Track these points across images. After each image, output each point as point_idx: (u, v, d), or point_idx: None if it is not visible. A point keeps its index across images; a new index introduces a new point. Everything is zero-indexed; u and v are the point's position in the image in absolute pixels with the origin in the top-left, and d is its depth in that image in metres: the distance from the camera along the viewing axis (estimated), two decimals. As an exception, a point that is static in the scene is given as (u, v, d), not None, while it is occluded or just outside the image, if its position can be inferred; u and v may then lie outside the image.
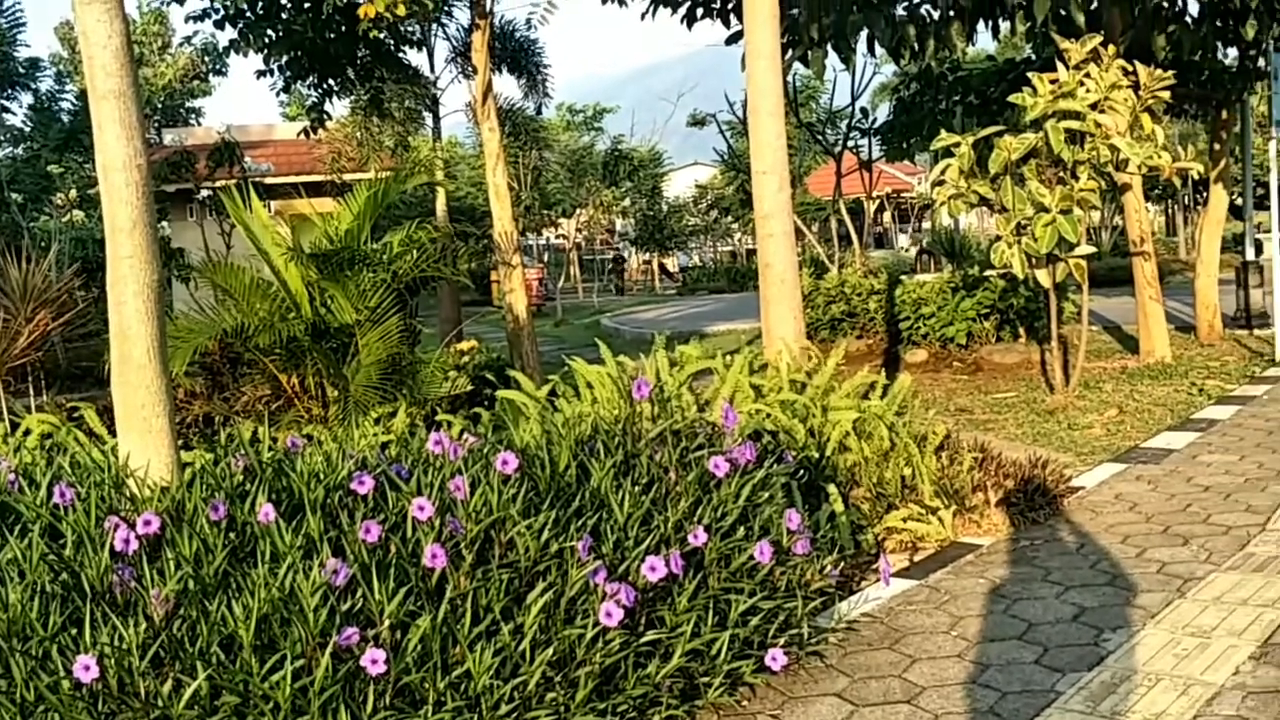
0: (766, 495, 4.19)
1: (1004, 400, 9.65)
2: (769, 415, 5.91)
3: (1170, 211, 38.41)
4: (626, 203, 38.03)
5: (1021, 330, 11.89)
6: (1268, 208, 12.62)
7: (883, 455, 5.77)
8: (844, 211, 15.62)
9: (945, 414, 9.17)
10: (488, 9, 8.57)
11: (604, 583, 3.46)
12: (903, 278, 13.91)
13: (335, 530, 3.59)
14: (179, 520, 3.51)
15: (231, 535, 3.49)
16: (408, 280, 7.00)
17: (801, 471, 5.27)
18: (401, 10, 7.64)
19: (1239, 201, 14.57)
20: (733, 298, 28.28)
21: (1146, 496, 5.90)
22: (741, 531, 4.02)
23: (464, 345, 10.97)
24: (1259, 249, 14.13)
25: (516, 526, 3.56)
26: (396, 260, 6.90)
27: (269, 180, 18.93)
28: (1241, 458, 6.62)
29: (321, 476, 3.90)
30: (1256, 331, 12.70)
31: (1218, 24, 10.20)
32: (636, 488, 3.95)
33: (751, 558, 3.87)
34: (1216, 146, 12.72)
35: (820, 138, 17.78)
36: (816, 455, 5.72)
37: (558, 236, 39.51)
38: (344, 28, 8.75)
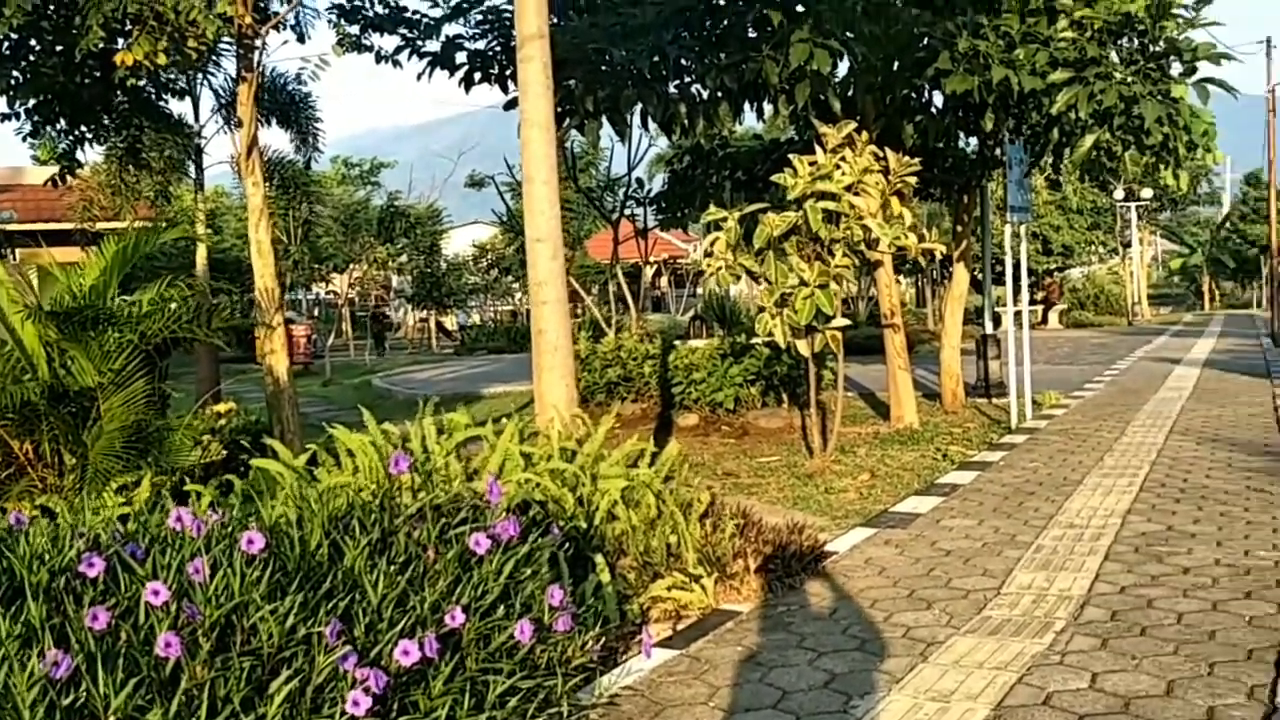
0: (529, 571, 4.14)
1: (767, 464, 9.97)
2: (538, 485, 5.88)
3: (920, 285, 41.13)
4: (404, 259, 37.50)
5: (785, 396, 12.39)
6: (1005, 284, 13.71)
7: (650, 523, 5.83)
8: (621, 276, 15.93)
9: (713, 478, 9.39)
10: (255, 62, 8.30)
11: (354, 668, 3.32)
12: (676, 343, 14.25)
13: (59, 617, 3.32)
14: None
15: (-68, 629, 3.15)
16: (157, 341, 6.61)
17: (568, 543, 5.26)
18: (162, 59, 7.31)
19: (980, 277, 15.71)
20: (512, 358, 28.21)
21: (894, 561, 6.19)
22: (502, 610, 3.95)
23: (221, 407, 10.39)
24: (997, 322, 15.28)
25: (260, 611, 3.37)
26: (145, 320, 6.50)
27: (11, 227, 17.59)
28: (980, 522, 7.06)
29: (46, 558, 3.60)
30: (995, 400, 13.68)
31: (959, 115, 11.05)
32: (392, 567, 3.83)
33: (512, 637, 3.81)
34: (959, 227, 13.73)
35: (598, 204, 18.12)
36: (585, 525, 5.72)
37: (328, 292, 38.47)
38: (99, 74, 8.28)
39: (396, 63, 10.36)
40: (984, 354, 14.44)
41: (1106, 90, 8.88)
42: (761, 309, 9.09)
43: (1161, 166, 10.79)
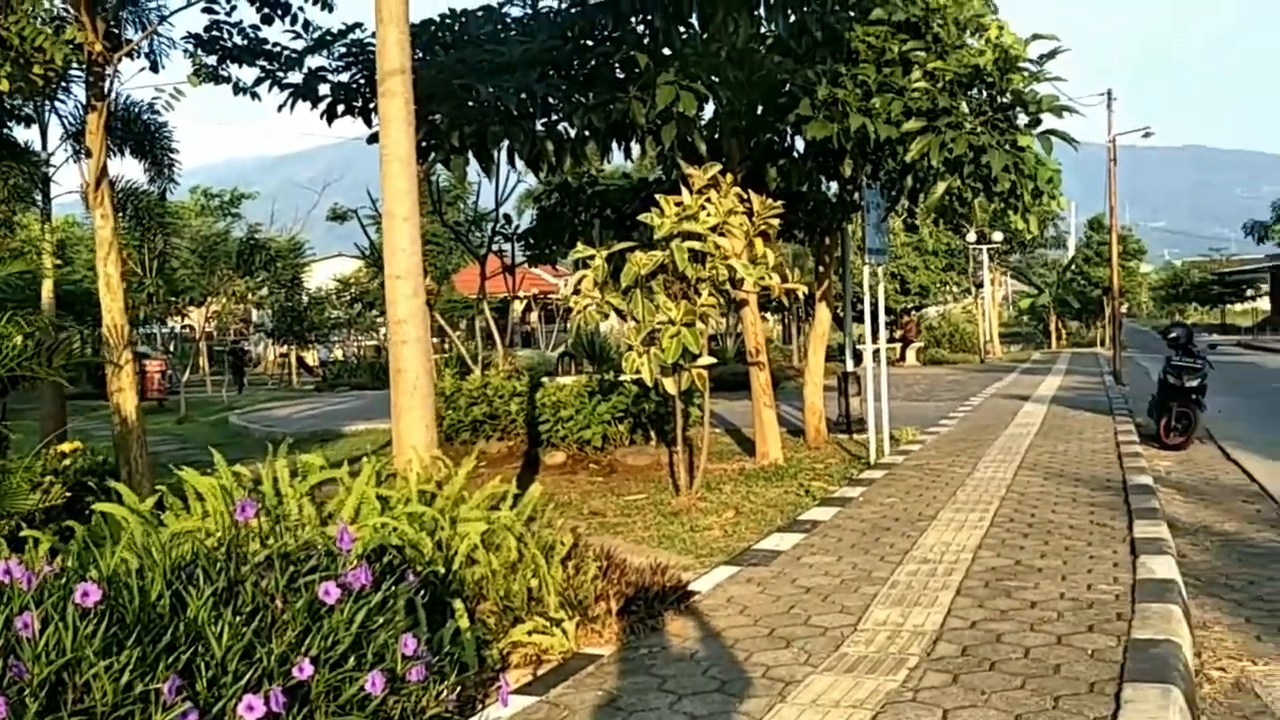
0: (382, 620, 4.03)
1: (634, 503, 9.98)
2: (395, 529, 5.75)
3: (786, 322, 42.01)
4: (265, 292, 36.52)
5: (653, 433, 12.44)
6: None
7: (511, 567, 5.75)
8: (488, 312, 15.81)
9: (580, 517, 9.35)
10: (106, 90, 7.99)
11: (194, 728, 3.17)
12: (545, 380, 14.19)
13: None
14: None
15: None
16: (-8, 380, 6.26)
17: (426, 588, 5.15)
18: (5, 85, 6.97)
19: (842, 315, 16.12)
20: (374, 395, 27.66)
21: (755, 599, 6.25)
22: (353, 661, 3.83)
23: (66, 447, 9.92)
24: (858, 359, 15.70)
25: (94, 668, 3.20)
26: (-22, 357, 6.16)
27: None
28: (839, 558, 7.19)
29: None
30: (856, 436, 14.01)
31: (820, 160, 11.35)
32: (238, 618, 3.68)
33: (362, 689, 3.69)
34: (821, 268, 14.08)
35: (464, 239, 17.98)
36: (443, 570, 5.62)
37: (183, 326, 37.16)
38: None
39: (255, 95, 10.11)
40: (845, 391, 14.81)
41: (957, 139, 9.26)
42: (629, 347, 9.13)
43: (1010, 212, 11.30)
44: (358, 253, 28.22)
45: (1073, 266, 54.87)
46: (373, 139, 10.85)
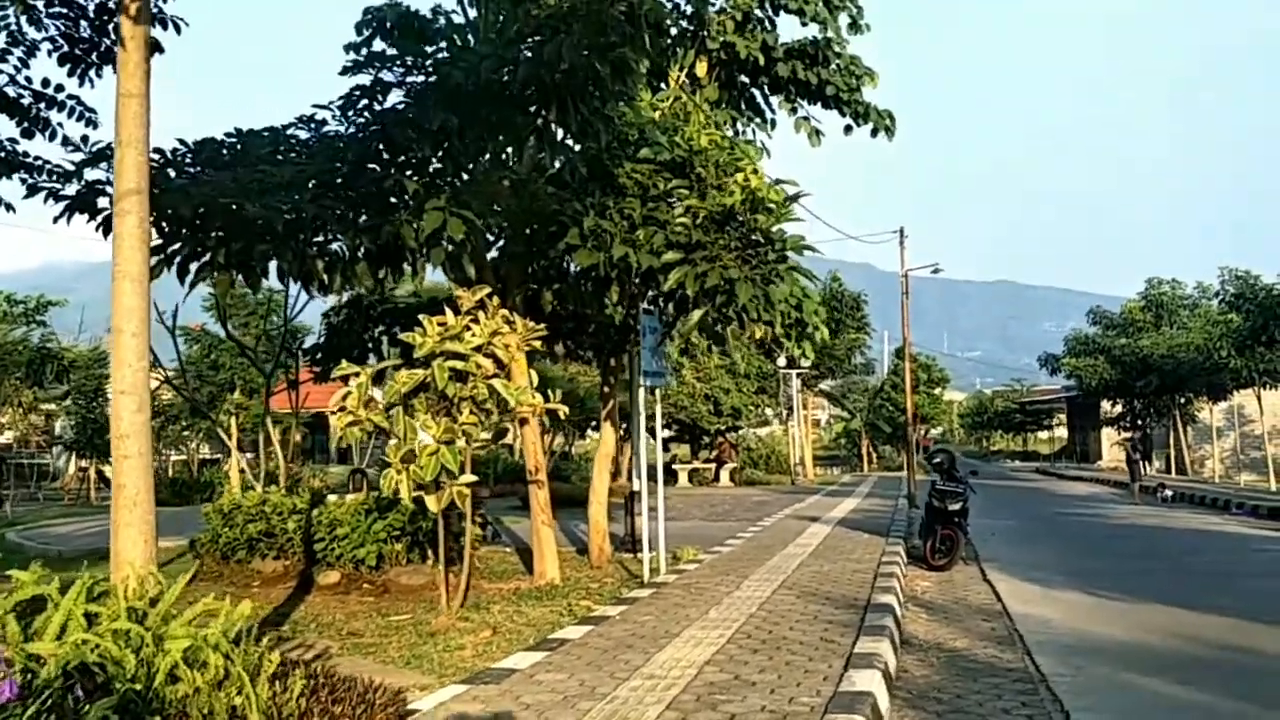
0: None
1: (396, 623, 9.93)
2: (97, 646, 5.65)
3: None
4: (65, 403, 34.81)
5: (430, 552, 12.40)
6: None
7: (216, 684, 5.71)
8: (270, 427, 15.58)
9: (336, 638, 9.27)
10: None
11: None
12: (331, 497, 14.01)
13: None
14: None
15: None
16: None
17: (125, 708, 5.08)
18: None
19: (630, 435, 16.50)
20: (174, 510, 26.50)
21: (474, 716, 6.33)
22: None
23: None
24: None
25: None
26: None
27: None
28: (570, 675, 7.34)
29: None
30: (640, 554, 14.26)
31: (588, 287, 11.84)
32: None
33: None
34: (606, 389, 14.49)
35: (250, 355, 17.75)
36: (143, 687, 5.54)
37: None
38: None
39: (10, 207, 9.96)
40: (630, 510, 15.09)
41: (710, 271, 9.87)
42: (387, 464, 9.22)
43: (785, 340, 11.98)
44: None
45: (881, 393, 57.42)
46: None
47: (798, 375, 44.37)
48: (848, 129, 15.37)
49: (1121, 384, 44.97)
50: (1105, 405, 50.89)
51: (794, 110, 15.20)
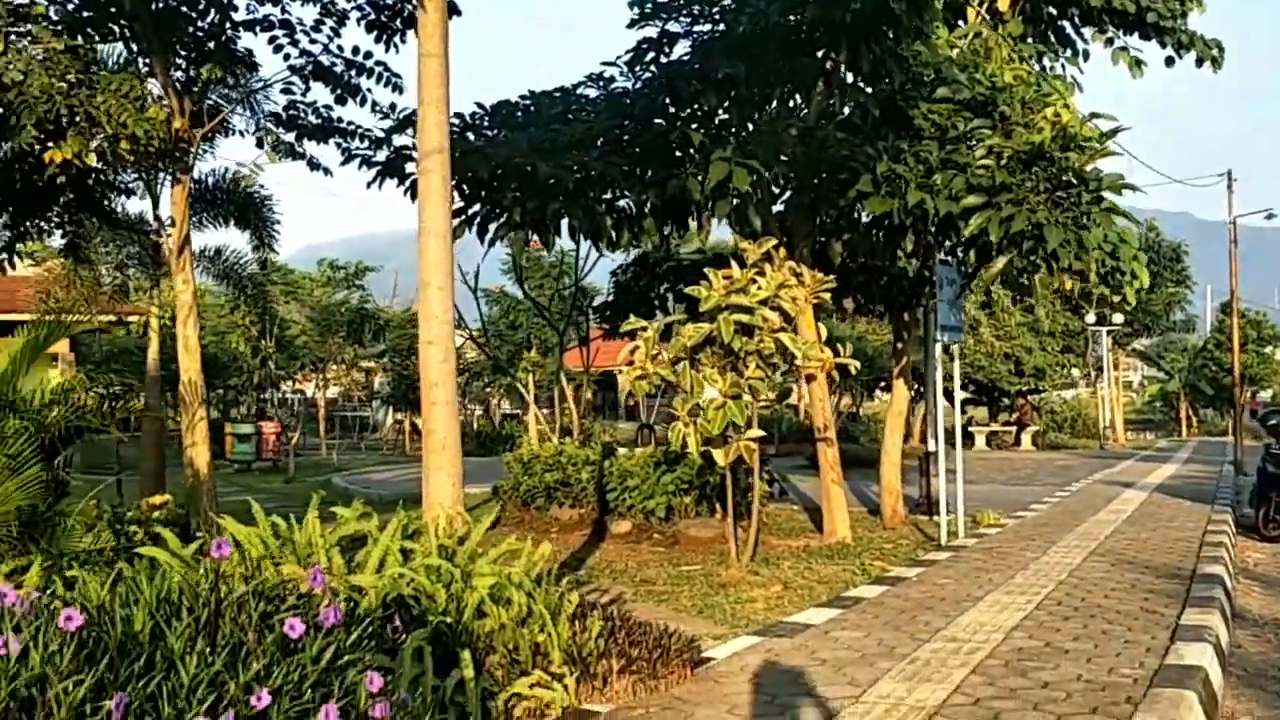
0: (349, 659, 4.21)
1: (687, 573, 10.01)
2: (411, 580, 5.97)
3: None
4: (383, 360, 37.80)
5: (718, 506, 12.44)
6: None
7: (519, 621, 5.90)
8: (564, 382, 16.13)
9: (630, 584, 9.44)
10: (189, 164, 8.62)
11: (145, 746, 3.39)
12: (621, 450, 14.35)
13: None
14: None
15: None
16: (57, 430, 6.75)
17: (437, 639, 5.34)
18: (91, 159, 7.60)
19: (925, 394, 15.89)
20: (479, 461, 28.19)
21: (767, 668, 6.24)
22: (318, 694, 4.01)
23: (158, 499, 10.51)
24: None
25: (59, 686, 3.47)
26: (46, 409, 6.66)
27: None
28: (867, 634, 7.11)
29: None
30: (936, 517, 13.73)
31: (881, 236, 11.39)
32: (209, 648, 3.91)
33: (318, 721, 3.86)
34: (899, 345, 13.98)
35: (544, 312, 18.38)
36: (454, 620, 5.80)
37: (295, 390, 38.57)
38: (35, 171, 8.59)
39: (327, 171, 10.71)
40: (927, 471, 14.55)
41: (1016, 216, 9.22)
42: (675, 418, 9.26)
43: (1101, 287, 11.12)
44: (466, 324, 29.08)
45: (1204, 352, 52.74)
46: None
47: (1108, 333, 41.39)
48: (1169, 60, 14.00)
49: None
50: None
51: (1109, 41, 13.97)
